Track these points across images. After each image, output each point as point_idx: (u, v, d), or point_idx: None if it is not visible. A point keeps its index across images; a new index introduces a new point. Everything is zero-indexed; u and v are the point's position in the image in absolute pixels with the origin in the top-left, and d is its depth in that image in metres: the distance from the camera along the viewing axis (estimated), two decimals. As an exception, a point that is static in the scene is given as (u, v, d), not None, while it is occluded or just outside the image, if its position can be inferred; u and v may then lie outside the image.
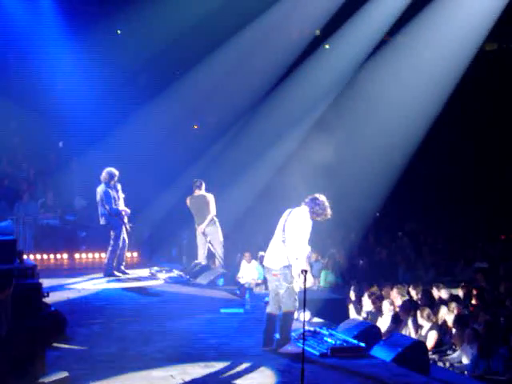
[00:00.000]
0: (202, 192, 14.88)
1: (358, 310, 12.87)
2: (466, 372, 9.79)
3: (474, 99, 21.27)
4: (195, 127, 22.78)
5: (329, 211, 9.11)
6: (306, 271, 7.99)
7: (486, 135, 21.37)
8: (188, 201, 15.08)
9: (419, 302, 12.18)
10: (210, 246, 14.97)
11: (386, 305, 12.16)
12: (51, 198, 18.67)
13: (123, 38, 20.78)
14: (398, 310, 11.95)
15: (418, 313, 11.31)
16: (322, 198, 9.11)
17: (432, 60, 19.62)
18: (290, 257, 8.89)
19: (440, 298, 12.91)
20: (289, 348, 9.01)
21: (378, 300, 12.56)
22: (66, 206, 18.84)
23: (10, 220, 14.11)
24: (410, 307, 11.53)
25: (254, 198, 19.39)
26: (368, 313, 12.54)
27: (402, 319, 11.63)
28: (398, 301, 12.25)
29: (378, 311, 12.31)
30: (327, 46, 21.67)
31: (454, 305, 11.99)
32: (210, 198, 14.81)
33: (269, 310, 9.25)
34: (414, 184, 22.09)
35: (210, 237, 14.88)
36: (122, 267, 14.63)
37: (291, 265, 8.90)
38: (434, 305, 12.16)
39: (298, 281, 8.75)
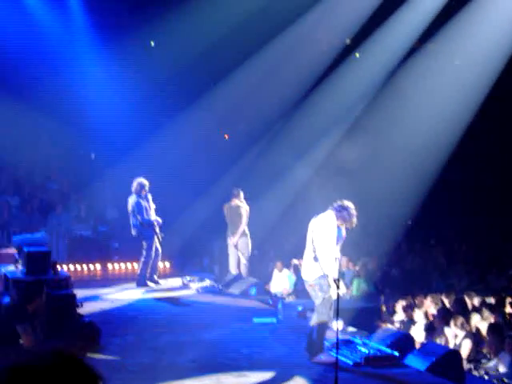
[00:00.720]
0: (239, 202, 14.87)
1: (391, 319, 12.79)
2: (502, 380, 9.68)
3: (507, 105, 21.08)
4: (226, 137, 22.85)
5: (355, 219, 9.08)
6: (338, 280, 7.97)
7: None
8: (225, 209, 15.11)
9: (452, 311, 12.07)
10: (240, 255, 15.00)
11: (418, 314, 12.08)
12: (84, 210, 18.82)
13: (155, 49, 20.94)
14: (431, 318, 11.86)
15: (452, 321, 11.22)
16: (349, 204, 9.09)
17: (464, 66, 19.51)
18: (323, 266, 8.87)
19: (473, 305, 12.79)
20: (322, 358, 8.99)
21: (410, 309, 12.48)
22: (98, 217, 18.97)
23: (43, 231, 14.26)
24: (444, 315, 11.44)
25: (286, 207, 19.38)
26: (401, 322, 12.47)
27: (436, 328, 11.54)
28: (432, 309, 12.16)
29: (411, 320, 12.23)
30: (357, 55, 21.63)
31: (487, 313, 11.88)
32: (244, 209, 14.81)
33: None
34: (447, 192, 21.94)
35: (239, 248, 14.92)
36: (155, 277, 14.69)
37: (326, 275, 8.88)
38: (467, 313, 12.05)
39: (334, 289, 8.72)
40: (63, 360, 2.14)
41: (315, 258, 8.95)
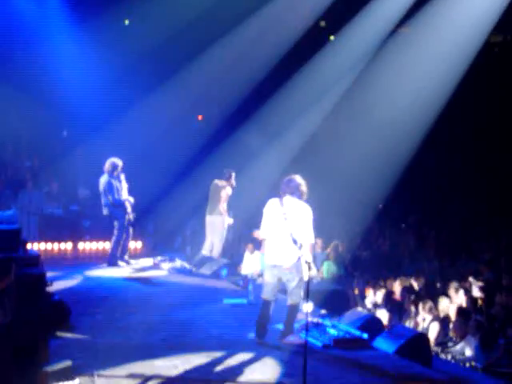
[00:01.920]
0: (224, 182, 14.70)
1: (361, 302, 12.89)
2: (467, 364, 9.81)
3: (480, 92, 21.19)
4: (200, 118, 22.77)
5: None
6: (309, 262, 8.00)
7: (493, 127, 21.29)
8: (211, 186, 14.95)
9: (421, 294, 12.20)
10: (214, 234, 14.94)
11: (387, 296, 12.18)
12: (55, 188, 18.69)
13: (129, 27, 20.78)
14: (400, 301, 11.97)
15: (420, 305, 11.33)
16: (298, 178, 9.13)
17: (440, 52, 19.56)
18: (305, 249, 8.92)
19: (441, 289, 12.93)
20: (291, 339, 9.05)
21: (380, 291, 12.58)
22: (69, 195, 18.86)
23: (14, 209, 14.14)
24: (410, 295, 11.55)
25: (261, 190, 19.38)
26: (371, 304, 12.57)
27: (406, 310, 11.65)
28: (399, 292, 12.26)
29: (381, 303, 12.33)
30: (332, 38, 21.64)
31: (455, 297, 12.02)
32: (224, 190, 14.63)
33: (265, 296, 9.20)
34: (418, 176, 22.06)
35: (214, 226, 14.81)
36: (126, 257, 14.66)
37: (301, 256, 8.93)
38: (435, 297, 12.18)
39: (306, 271, 8.75)
40: None
41: (294, 242, 8.93)
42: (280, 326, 9.41)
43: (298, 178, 9.14)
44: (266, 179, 18.13)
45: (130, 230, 14.47)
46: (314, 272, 14.78)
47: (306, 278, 8.49)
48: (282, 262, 9.07)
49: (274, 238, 9.08)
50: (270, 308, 9.17)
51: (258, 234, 9.68)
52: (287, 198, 9.06)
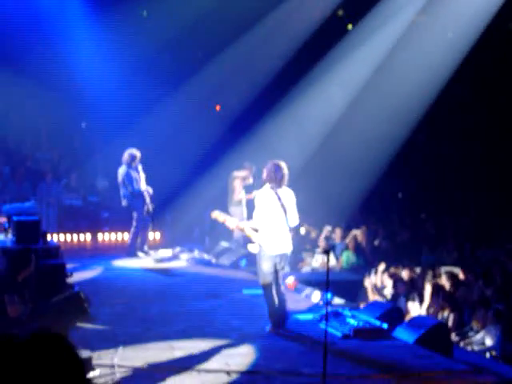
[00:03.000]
0: (242, 174, 14.74)
1: (380, 292, 12.84)
2: (487, 354, 9.76)
3: (495, 81, 21.02)
4: (217, 109, 22.73)
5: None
6: (328, 251, 7.96)
7: (502, 117, 21.12)
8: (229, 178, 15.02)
9: (440, 284, 12.13)
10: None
11: (408, 286, 12.12)
12: (74, 179, 18.75)
13: (147, 19, 20.74)
14: (423, 291, 11.91)
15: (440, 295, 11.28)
16: (283, 165, 9.22)
17: (454, 38, 19.44)
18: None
19: (461, 279, 12.86)
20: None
21: (399, 281, 12.51)
22: (88, 186, 18.92)
23: (33, 201, 14.21)
24: (436, 289, 11.49)
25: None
26: (389, 294, 12.51)
27: (424, 300, 11.60)
28: (421, 282, 12.20)
29: (399, 293, 12.27)
30: (350, 27, 21.51)
31: (477, 286, 11.96)
32: (238, 179, 14.68)
33: (267, 280, 9.18)
34: (439, 166, 21.95)
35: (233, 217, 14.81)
36: (145, 248, 14.71)
37: None
38: (456, 286, 12.12)
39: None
40: (47, 339, 2.13)
41: (290, 229, 9.22)
42: (302, 317, 9.43)
43: (284, 166, 9.20)
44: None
45: (149, 220, 14.51)
46: (332, 262, 14.78)
47: (324, 267, 8.49)
48: (287, 250, 9.19)
49: (273, 228, 9.07)
50: (274, 291, 9.19)
51: (217, 215, 9.65)
52: (281, 189, 9.13)
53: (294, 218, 9.17)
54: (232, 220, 9.58)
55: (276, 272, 9.17)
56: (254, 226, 9.25)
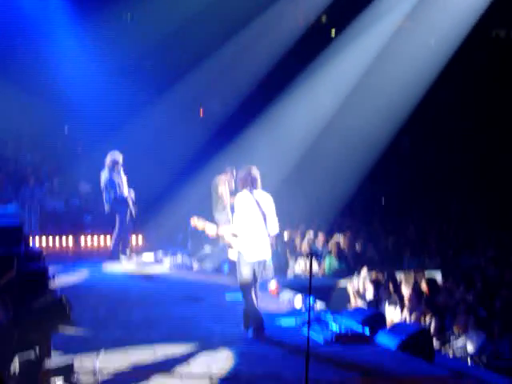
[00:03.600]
0: (224, 178, 14.58)
1: (362, 297, 12.87)
2: (469, 359, 9.80)
3: (481, 87, 21.16)
4: (200, 113, 22.73)
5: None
6: (311, 256, 7.97)
7: (499, 122, 21.22)
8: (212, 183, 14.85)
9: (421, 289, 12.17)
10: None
11: (389, 291, 12.14)
12: (56, 183, 18.68)
13: (131, 23, 20.73)
14: (404, 296, 11.95)
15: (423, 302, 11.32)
16: (254, 169, 9.30)
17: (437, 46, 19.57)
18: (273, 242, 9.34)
19: (443, 285, 12.92)
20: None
21: (380, 287, 12.55)
22: (70, 190, 18.85)
23: (15, 204, 14.14)
24: (417, 294, 11.53)
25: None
26: (370, 300, 12.54)
27: (407, 306, 11.63)
28: (404, 288, 12.23)
29: (381, 298, 12.31)
30: (333, 33, 21.62)
31: (458, 292, 12.01)
32: (223, 187, 14.51)
33: (246, 281, 9.21)
34: (422, 171, 22.05)
35: (218, 223, 14.72)
36: (128, 251, 14.66)
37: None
38: (437, 292, 12.18)
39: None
40: None
41: (268, 234, 9.18)
42: (284, 322, 9.44)
43: (255, 170, 9.27)
44: (268, 174, 18.09)
45: (132, 224, 14.47)
46: (315, 267, 14.80)
47: (307, 273, 8.51)
48: (265, 256, 9.23)
49: (252, 234, 9.08)
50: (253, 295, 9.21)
51: (196, 222, 9.64)
52: (257, 192, 9.15)
53: (274, 226, 9.19)
54: (211, 226, 9.57)
55: (254, 278, 9.19)
56: (233, 231, 9.26)
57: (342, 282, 13.85)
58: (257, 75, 20.51)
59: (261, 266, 9.21)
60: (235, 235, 9.19)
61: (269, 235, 9.21)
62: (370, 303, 12.31)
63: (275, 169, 18.39)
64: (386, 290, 12.27)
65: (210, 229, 9.55)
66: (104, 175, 14.12)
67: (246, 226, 9.05)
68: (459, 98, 21.12)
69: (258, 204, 9.07)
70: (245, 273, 9.12)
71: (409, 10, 19.39)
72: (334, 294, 12.89)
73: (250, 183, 9.13)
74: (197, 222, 9.62)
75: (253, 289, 9.18)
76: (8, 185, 17.76)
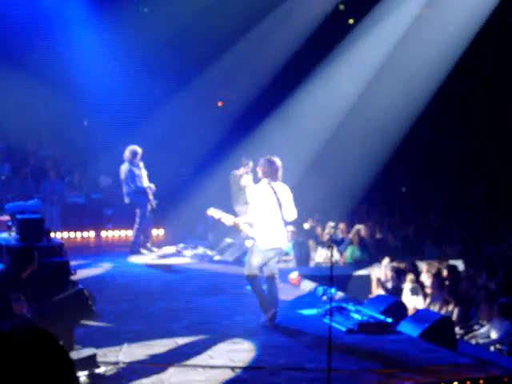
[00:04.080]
0: (243, 171, 14.54)
1: (384, 286, 12.83)
2: (492, 347, 9.74)
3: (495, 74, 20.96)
4: (219, 104, 22.72)
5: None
6: (332, 246, 7.95)
7: (503, 109, 21.05)
8: (230, 177, 14.80)
9: (443, 277, 12.12)
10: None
11: (410, 280, 12.10)
12: (77, 177, 18.77)
13: (148, 15, 20.73)
14: (426, 285, 11.91)
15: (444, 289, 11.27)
16: (277, 160, 9.32)
17: (457, 32, 19.39)
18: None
19: (465, 273, 12.86)
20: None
21: (403, 275, 12.50)
22: (91, 184, 18.93)
23: (36, 199, 14.21)
24: (440, 283, 11.48)
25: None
26: (392, 288, 12.50)
27: (430, 294, 11.59)
28: (425, 276, 12.19)
29: (403, 287, 12.26)
30: (351, 21, 21.48)
31: (481, 279, 11.95)
32: (245, 179, 14.45)
33: (254, 272, 9.33)
34: (442, 159, 21.92)
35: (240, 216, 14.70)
36: (149, 244, 14.71)
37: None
38: (459, 280, 12.12)
39: None
40: (35, 337, 2.11)
41: (285, 224, 9.29)
42: (306, 312, 9.44)
43: (278, 161, 9.28)
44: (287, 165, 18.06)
45: (152, 217, 14.51)
46: (336, 256, 14.78)
47: (328, 262, 8.48)
48: (281, 244, 9.24)
49: (268, 222, 9.13)
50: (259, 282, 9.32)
51: (213, 212, 9.67)
52: (276, 184, 9.19)
53: (292, 212, 9.22)
54: (228, 216, 9.60)
55: (270, 266, 9.24)
56: (248, 220, 9.31)
57: (364, 272, 13.83)
58: (275, 66, 20.44)
59: (276, 254, 9.21)
60: (251, 224, 9.23)
61: (285, 223, 9.25)
62: (391, 292, 12.27)
63: (294, 159, 18.37)
64: (407, 278, 12.21)
65: (226, 218, 9.58)
66: (123, 168, 14.17)
67: (261, 214, 9.12)
68: (480, 85, 20.95)
69: (275, 193, 9.11)
70: (255, 260, 9.20)
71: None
72: (355, 284, 12.86)
73: (271, 174, 9.14)
74: (213, 212, 9.66)
75: (259, 277, 9.30)
76: (29, 179, 17.85)
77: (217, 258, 14.54)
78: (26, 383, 2.01)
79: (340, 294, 11.16)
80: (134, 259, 14.11)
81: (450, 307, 11.05)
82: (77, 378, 2.09)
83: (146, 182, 14.24)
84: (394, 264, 13.17)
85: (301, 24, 20.16)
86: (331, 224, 16.85)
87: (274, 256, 9.21)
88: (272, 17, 19.97)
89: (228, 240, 14.97)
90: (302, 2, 20.00)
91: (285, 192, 9.21)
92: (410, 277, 11.97)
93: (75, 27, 19.15)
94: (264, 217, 9.10)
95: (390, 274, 12.76)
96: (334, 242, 14.90)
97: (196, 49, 20.62)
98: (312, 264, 15.18)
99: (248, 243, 9.66)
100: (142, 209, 14.23)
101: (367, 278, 13.24)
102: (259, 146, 17.01)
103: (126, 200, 14.28)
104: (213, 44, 20.20)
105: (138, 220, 14.31)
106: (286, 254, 14.88)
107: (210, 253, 14.81)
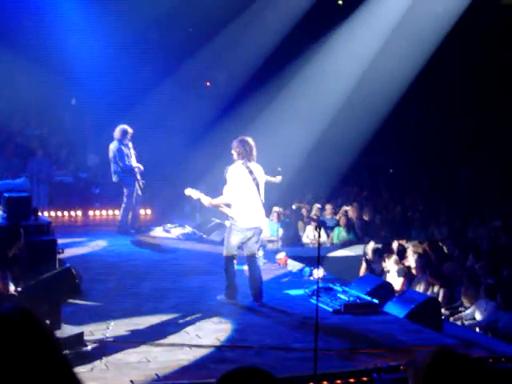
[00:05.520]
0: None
1: (370, 267, 12.88)
2: (477, 328, 9.82)
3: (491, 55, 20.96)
4: (207, 84, 22.63)
5: None
6: (319, 227, 7.96)
7: (508, 91, 21.04)
8: None
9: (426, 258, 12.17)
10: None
11: (394, 261, 12.14)
12: (64, 156, 18.68)
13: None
14: (411, 266, 11.96)
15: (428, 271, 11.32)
16: (251, 141, 9.37)
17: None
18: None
19: (451, 254, 12.93)
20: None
21: (388, 256, 12.54)
22: (79, 163, 18.85)
23: (24, 177, 14.15)
24: (425, 264, 11.53)
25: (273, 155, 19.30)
26: (378, 269, 12.55)
27: (416, 276, 11.64)
28: (411, 258, 12.24)
29: (389, 268, 12.31)
30: (340, 2, 21.44)
31: (467, 261, 12.02)
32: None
33: (233, 252, 9.50)
34: (430, 141, 21.95)
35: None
36: (136, 224, 14.69)
37: None
38: (442, 261, 12.20)
39: None
40: (20, 318, 2.10)
41: (263, 204, 9.34)
42: (293, 292, 9.49)
43: (251, 141, 9.35)
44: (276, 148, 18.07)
45: (140, 197, 14.48)
46: (323, 237, 14.81)
47: (315, 243, 8.51)
48: (260, 224, 9.32)
49: (245, 202, 9.19)
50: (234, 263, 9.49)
51: (191, 192, 9.69)
52: (252, 164, 9.24)
53: (262, 194, 9.36)
54: (205, 197, 9.61)
55: (249, 245, 9.32)
56: (225, 201, 9.32)
57: (350, 252, 13.87)
58: (266, 47, 20.32)
59: (255, 233, 9.26)
60: (228, 205, 9.27)
61: (263, 203, 9.28)
62: (377, 273, 12.32)
63: (283, 142, 18.40)
64: (392, 259, 12.25)
65: (204, 199, 9.61)
66: (112, 146, 14.12)
67: (239, 194, 9.17)
68: (468, 66, 20.94)
69: (251, 173, 9.19)
70: (233, 240, 9.32)
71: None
72: (342, 264, 12.89)
73: (246, 155, 9.16)
74: (191, 192, 9.70)
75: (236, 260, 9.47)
76: (16, 158, 17.75)
77: (204, 237, 14.54)
78: (12, 364, 2.01)
79: (326, 275, 11.20)
80: (122, 238, 14.03)
81: (436, 288, 11.11)
82: (65, 357, 2.08)
83: (134, 162, 14.21)
84: (379, 246, 13.22)
85: (292, 6, 20.05)
86: (318, 205, 16.88)
87: (253, 235, 9.27)
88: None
89: (215, 220, 14.97)
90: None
91: (261, 173, 9.32)
92: (394, 258, 12.01)
93: (64, 5, 18.98)
94: (242, 197, 9.17)
95: (375, 255, 12.81)
96: (321, 224, 14.92)
97: (186, 29, 20.50)
98: (299, 244, 15.22)
99: (227, 223, 9.68)
100: (130, 188, 14.20)
101: (354, 259, 13.28)
102: (249, 129, 17.00)
103: (114, 178, 14.25)
104: (202, 23, 20.09)
105: (125, 199, 14.28)
106: (274, 234, 14.94)
107: (197, 232, 14.81)
